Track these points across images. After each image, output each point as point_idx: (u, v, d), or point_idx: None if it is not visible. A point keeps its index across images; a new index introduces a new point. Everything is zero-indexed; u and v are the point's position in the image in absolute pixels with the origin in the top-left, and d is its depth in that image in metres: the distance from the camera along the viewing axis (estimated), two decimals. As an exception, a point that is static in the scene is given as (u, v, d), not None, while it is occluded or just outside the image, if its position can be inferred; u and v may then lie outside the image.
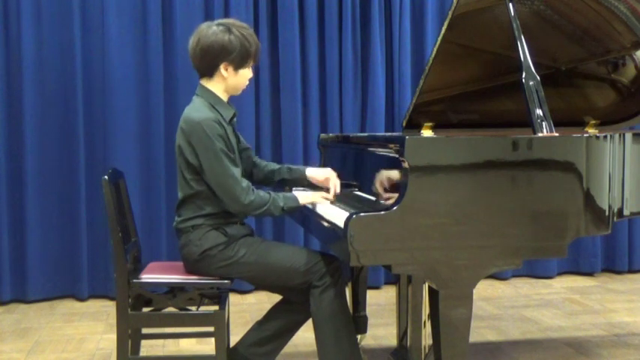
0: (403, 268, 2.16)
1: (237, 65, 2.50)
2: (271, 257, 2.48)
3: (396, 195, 2.15)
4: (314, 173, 2.74)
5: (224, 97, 2.56)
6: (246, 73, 2.55)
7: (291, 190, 2.88)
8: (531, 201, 2.17)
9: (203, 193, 2.47)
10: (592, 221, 2.26)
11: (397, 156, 2.17)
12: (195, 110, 2.47)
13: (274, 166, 2.83)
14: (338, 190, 2.63)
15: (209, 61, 2.48)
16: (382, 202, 2.38)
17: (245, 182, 2.42)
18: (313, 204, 2.58)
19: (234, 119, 2.60)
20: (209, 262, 2.47)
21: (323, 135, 3.33)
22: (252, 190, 2.43)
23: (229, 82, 2.52)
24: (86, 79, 4.26)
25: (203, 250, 2.46)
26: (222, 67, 2.49)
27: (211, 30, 2.47)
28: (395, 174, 2.27)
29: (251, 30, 2.54)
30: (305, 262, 2.47)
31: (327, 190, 2.65)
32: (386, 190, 2.39)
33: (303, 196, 2.56)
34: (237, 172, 2.42)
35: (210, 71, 2.51)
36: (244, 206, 2.40)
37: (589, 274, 4.96)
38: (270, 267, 2.48)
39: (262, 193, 2.44)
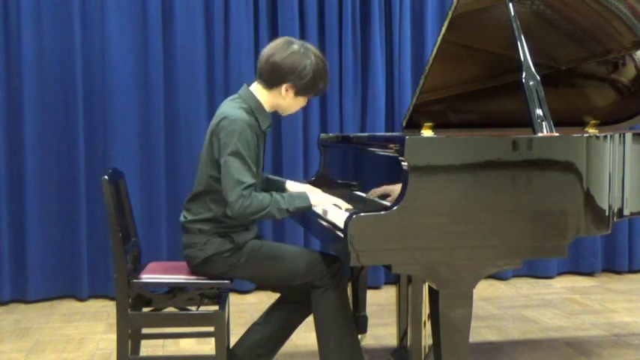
0: (403, 268, 2.16)
1: (299, 91, 2.46)
2: (273, 259, 2.48)
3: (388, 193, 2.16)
4: (294, 188, 2.71)
5: (267, 108, 2.52)
6: (302, 101, 2.52)
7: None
8: (531, 201, 2.17)
9: (218, 194, 2.41)
10: (592, 221, 2.25)
11: (397, 156, 2.17)
12: (233, 109, 2.42)
13: None
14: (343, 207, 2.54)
15: (276, 77, 2.44)
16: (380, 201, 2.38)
17: (247, 190, 2.31)
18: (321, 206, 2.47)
19: (268, 129, 2.56)
20: (212, 267, 2.47)
21: (323, 135, 3.33)
22: (250, 195, 2.31)
23: (283, 102, 2.49)
24: (86, 79, 4.26)
25: (207, 255, 2.45)
26: (284, 87, 2.45)
27: (292, 48, 2.42)
28: (390, 188, 2.27)
29: (326, 63, 2.49)
30: (306, 264, 2.47)
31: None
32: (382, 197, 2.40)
33: (316, 198, 2.46)
34: (246, 178, 2.32)
35: (272, 85, 2.46)
36: (237, 214, 2.32)
37: (589, 274, 4.96)
38: (272, 269, 2.49)
39: (261, 197, 2.34)
